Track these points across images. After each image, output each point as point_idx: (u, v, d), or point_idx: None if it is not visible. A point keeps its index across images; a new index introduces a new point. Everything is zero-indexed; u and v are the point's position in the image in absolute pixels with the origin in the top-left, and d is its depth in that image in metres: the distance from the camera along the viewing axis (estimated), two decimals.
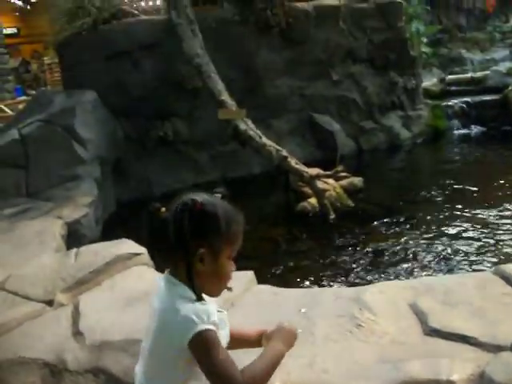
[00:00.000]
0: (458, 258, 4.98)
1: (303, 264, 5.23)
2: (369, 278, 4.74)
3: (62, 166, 6.92)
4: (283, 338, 1.80)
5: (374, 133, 9.96)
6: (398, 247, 5.37)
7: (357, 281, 4.71)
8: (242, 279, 3.51)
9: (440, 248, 5.24)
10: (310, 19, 9.21)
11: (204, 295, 1.72)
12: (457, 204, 6.41)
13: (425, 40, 13.09)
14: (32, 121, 7.35)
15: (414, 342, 2.74)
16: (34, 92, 16.25)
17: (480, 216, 5.95)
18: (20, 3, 22.97)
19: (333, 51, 9.56)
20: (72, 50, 8.32)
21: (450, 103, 10.90)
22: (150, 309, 1.77)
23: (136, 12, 8.98)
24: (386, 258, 5.16)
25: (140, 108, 8.27)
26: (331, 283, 4.71)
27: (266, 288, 3.56)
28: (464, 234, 5.52)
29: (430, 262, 4.97)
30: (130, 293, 3.57)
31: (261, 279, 3.87)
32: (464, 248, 5.17)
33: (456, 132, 10.55)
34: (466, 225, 5.74)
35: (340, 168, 6.39)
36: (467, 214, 6.04)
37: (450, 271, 4.69)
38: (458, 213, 6.14)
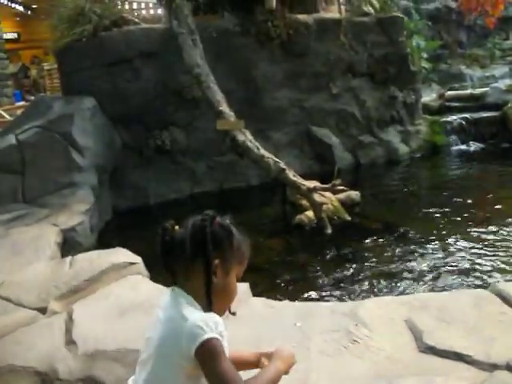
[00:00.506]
0: (453, 274, 4.95)
1: (299, 277, 5.20)
2: (364, 292, 4.70)
3: (59, 172, 6.91)
4: (283, 358, 1.85)
5: (372, 147, 9.96)
6: (394, 262, 5.34)
7: (352, 295, 4.68)
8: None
9: (436, 264, 5.21)
10: (311, 32, 9.25)
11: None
12: (454, 220, 6.40)
13: (425, 55, 13.15)
14: (30, 127, 7.33)
15: (409, 358, 2.72)
16: (32, 97, 16.25)
17: (476, 232, 5.92)
18: (21, 8, 23.02)
19: (333, 64, 9.59)
20: (72, 56, 8.31)
21: (448, 119, 10.91)
22: (154, 320, 1.79)
23: (137, 20, 8.99)
24: (382, 272, 5.12)
25: (139, 116, 8.28)
26: (327, 297, 4.68)
27: (261, 301, 3.55)
28: (460, 250, 5.49)
29: (425, 277, 4.94)
30: (125, 302, 3.55)
31: (256, 292, 3.85)
32: (460, 264, 5.15)
33: (454, 148, 10.54)
34: (462, 241, 5.72)
35: (337, 181, 6.37)
36: (464, 230, 6.02)
37: (446, 287, 4.66)
38: (455, 229, 6.12)
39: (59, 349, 3.10)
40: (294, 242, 6.25)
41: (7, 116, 12.69)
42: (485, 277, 4.84)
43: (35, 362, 3.00)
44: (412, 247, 5.70)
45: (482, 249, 5.47)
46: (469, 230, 6.04)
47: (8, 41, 21.04)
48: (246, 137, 6.92)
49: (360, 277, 5.08)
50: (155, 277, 3.98)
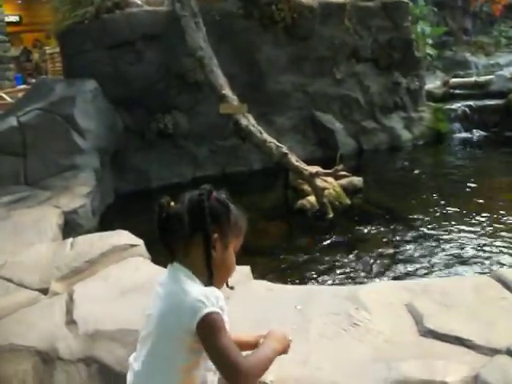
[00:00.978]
0: (454, 260, 4.96)
1: (300, 261, 5.21)
2: (365, 277, 4.72)
3: (61, 155, 6.90)
4: (277, 337, 1.89)
5: (375, 133, 9.94)
6: (395, 247, 5.36)
7: (353, 280, 4.69)
8: (237, 274, 3.48)
9: (437, 250, 5.22)
10: (315, 15, 9.17)
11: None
12: (456, 206, 6.40)
13: (430, 42, 13.06)
14: (31, 109, 7.31)
15: (409, 342, 2.72)
16: (34, 81, 16.20)
17: (478, 219, 5.93)
18: None
19: (337, 49, 9.53)
20: (74, 38, 8.27)
21: (452, 106, 10.87)
22: (153, 297, 1.81)
23: (139, 2, 8.92)
24: (383, 257, 5.14)
25: (141, 100, 8.25)
26: (328, 281, 4.69)
27: (262, 284, 3.53)
28: (462, 237, 5.50)
29: (426, 262, 4.95)
30: (125, 283, 3.54)
31: (257, 275, 3.85)
32: (461, 251, 5.16)
33: (457, 135, 10.51)
34: (464, 227, 5.73)
35: (340, 167, 6.35)
36: (466, 217, 6.03)
37: (447, 273, 4.67)
38: (457, 215, 6.13)
39: (60, 329, 3.10)
40: (295, 227, 6.27)
41: (8, 99, 12.66)
42: (486, 263, 4.85)
43: (36, 341, 3.01)
44: (413, 233, 5.71)
45: (483, 235, 5.49)
46: (470, 216, 6.05)
47: (10, 24, 20.94)
48: (249, 121, 6.90)
49: (361, 261, 5.09)
50: (156, 259, 3.98)
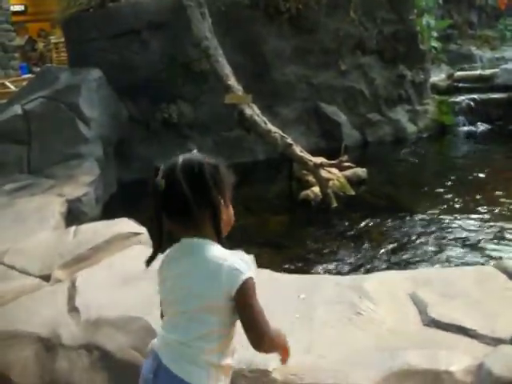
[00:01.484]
0: (458, 251, 4.96)
1: (304, 251, 5.21)
2: (369, 267, 4.71)
3: (65, 143, 6.89)
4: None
5: (379, 125, 9.89)
6: (399, 238, 5.34)
7: (357, 270, 4.69)
8: None
9: (441, 241, 5.21)
10: (321, 7, 9.11)
11: None
12: (459, 198, 6.38)
13: (435, 35, 12.97)
14: (36, 97, 7.31)
15: (412, 331, 2.72)
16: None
17: (482, 211, 5.92)
18: None
19: (342, 41, 9.47)
20: (78, 27, 8.24)
21: (457, 99, 10.78)
22: (167, 280, 1.82)
23: None
24: (387, 248, 5.13)
25: (146, 89, 8.20)
26: (331, 271, 4.69)
27: (266, 273, 3.53)
28: (465, 229, 5.49)
29: (430, 253, 4.95)
30: (128, 271, 3.54)
31: (261, 264, 3.84)
32: (465, 242, 5.15)
33: (462, 128, 10.46)
34: (467, 219, 5.71)
35: (344, 158, 6.34)
36: (469, 209, 6.02)
37: (451, 264, 4.67)
38: (461, 207, 6.12)
39: (62, 315, 3.11)
40: (299, 217, 6.25)
41: (13, 87, 12.66)
42: (490, 254, 4.84)
43: (38, 327, 3.02)
44: (417, 224, 5.70)
45: (487, 227, 5.47)
46: (474, 208, 6.03)
47: (15, 13, 20.93)
48: (254, 111, 6.87)
49: (365, 252, 5.10)
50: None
